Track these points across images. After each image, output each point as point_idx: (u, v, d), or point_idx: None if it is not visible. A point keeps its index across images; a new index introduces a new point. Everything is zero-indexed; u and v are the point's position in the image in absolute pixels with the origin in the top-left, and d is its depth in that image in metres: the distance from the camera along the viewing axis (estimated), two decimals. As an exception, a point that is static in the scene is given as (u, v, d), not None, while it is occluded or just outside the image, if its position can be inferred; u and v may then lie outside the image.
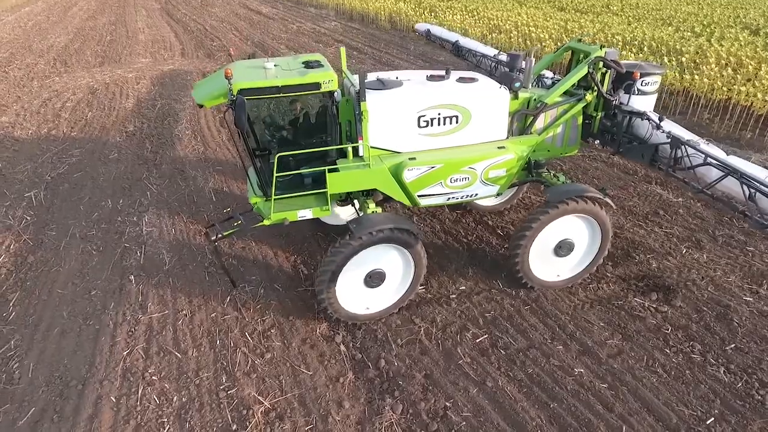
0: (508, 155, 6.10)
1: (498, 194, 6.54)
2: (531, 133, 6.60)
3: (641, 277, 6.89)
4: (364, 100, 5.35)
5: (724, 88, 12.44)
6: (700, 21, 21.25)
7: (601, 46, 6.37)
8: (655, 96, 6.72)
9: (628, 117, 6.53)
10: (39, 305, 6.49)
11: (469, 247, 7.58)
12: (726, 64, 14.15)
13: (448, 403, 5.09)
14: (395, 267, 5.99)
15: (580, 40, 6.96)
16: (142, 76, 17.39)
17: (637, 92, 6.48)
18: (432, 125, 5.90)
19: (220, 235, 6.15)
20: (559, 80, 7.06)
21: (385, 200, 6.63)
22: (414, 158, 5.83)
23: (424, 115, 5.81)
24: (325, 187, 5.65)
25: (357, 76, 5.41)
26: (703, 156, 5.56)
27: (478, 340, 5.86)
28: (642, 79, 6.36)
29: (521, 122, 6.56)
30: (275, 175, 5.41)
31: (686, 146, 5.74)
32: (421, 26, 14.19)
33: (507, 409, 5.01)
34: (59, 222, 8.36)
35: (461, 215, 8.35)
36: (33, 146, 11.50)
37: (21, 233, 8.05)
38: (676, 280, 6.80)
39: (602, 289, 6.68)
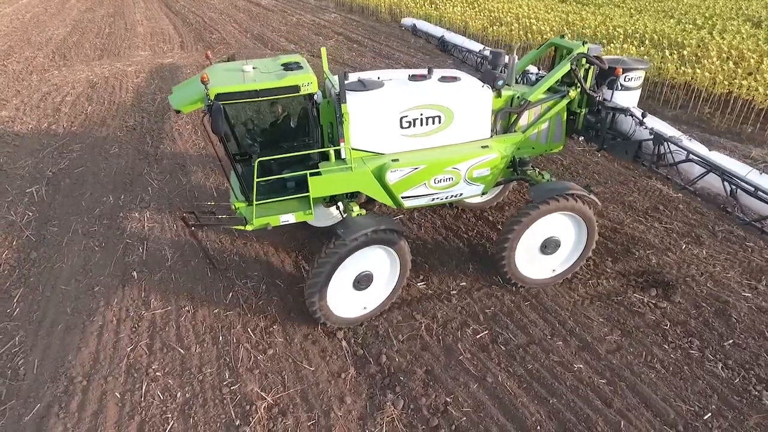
0: (492, 155, 6.09)
1: (483, 193, 6.52)
2: (515, 130, 6.60)
3: (641, 272, 6.93)
4: (345, 102, 5.28)
5: (725, 82, 12.40)
6: (701, 13, 21.11)
7: (584, 42, 6.37)
8: (639, 91, 6.71)
9: (611, 113, 6.53)
10: (43, 301, 6.53)
11: (469, 242, 7.62)
12: (727, 58, 14.09)
13: (448, 399, 5.15)
14: (382, 266, 5.99)
15: (563, 36, 6.93)
16: (141, 70, 17.33)
17: (620, 87, 6.48)
18: (414, 126, 5.85)
19: (197, 222, 6.04)
20: (543, 76, 7.07)
21: (369, 201, 6.59)
22: (397, 159, 5.78)
23: (406, 116, 5.77)
24: (307, 191, 5.57)
25: (337, 77, 5.40)
26: (686, 153, 5.59)
27: (478, 336, 5.91)
28: (625, 74, 6.35)
29: (505, 120, 6.54)
30: (256, 180, 5.32)
31: (669, 143, 5.76)
32: (407, 21, 14.06)
33: (507, 405, 5.07)
34: (61, 218, 8.39)
35: (462, 211, 8.37)
36: (33, 141, 11.49)
37: (23, 229, 8.09)
38: (676, 276, 6.84)
39: (602, 285, 6.72)
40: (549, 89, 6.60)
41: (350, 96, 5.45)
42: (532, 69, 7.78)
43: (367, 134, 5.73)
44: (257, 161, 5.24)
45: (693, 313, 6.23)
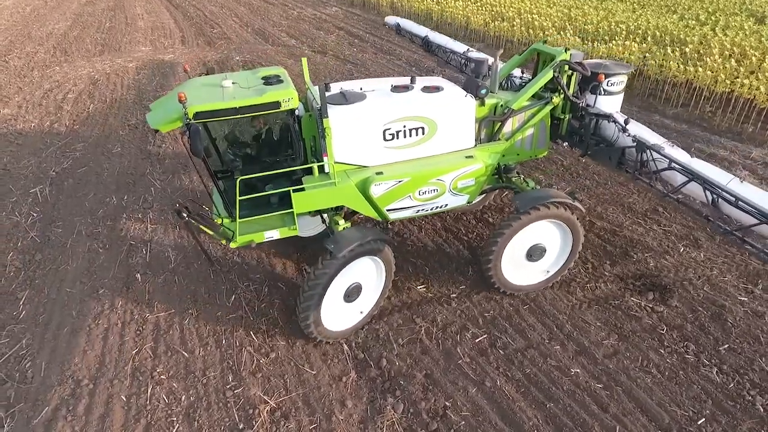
0: (476, 165, 6.09)
1: (468, 203, 6.53)
2: (499, 138, 6.60)
3: (639, 276, 7.01)
4: (327, 117, 5.22)
5: (727, 81, 12.38)
6: (705, 8, 20.96)
7: (566, 49, 6.37)
8: (622, 95, 6.72)
9: (594, 119, 6.55)
10: (48, 304, 6.64)
11: (469, 245, 7.69)
12: (729, 55, 14.05)
13: (447, 403, 5.26)
14: (369, 275, 6.02)
15: (545, 42, 6.93)
16: (142, 66, 17.32)
17: (603, 92, 6.49)
18: (398, 138, 5.82)
19: (188, 216, 5.59)
20: (528, 79, 7.11)
21: (353, 212, 6.48)
22: (381, 173, 5.74)
23: (389, 128, 5.73)
24: (291, 206, 5.49)
25: (323, 88, 5.35)
26: (668, 161, 5.63)
27: (477, 340, 6.01)
28: (607, 79, 6.36)
29: (489, 128, 6.54)
30: (238, 198, 5.24)
31: (651, 150, 5.79)
32: (390, 19, 13.81)
33: (505, 409, 5.18)
34: (65, 219, 8.48)
35: (462, 213, 8.43)
36: (36, 140, 11.55)
37: (28, 230, 8.18)
38: (673, 280, 6.92)
39: (600, 289, 6.80)
40: (533, 96, 6.60)
41: (332, 110, 5.42)
42: (516, 72, 7.79)
43: (350, 147, 5.70)
44: (239, 180, 5.16)
45: (689, 317, 6.31)
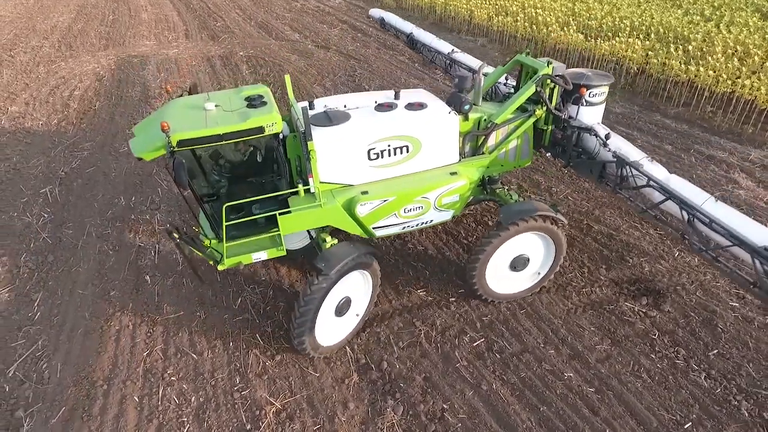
0: (461, 182, 6.18)
1: (453, 217, 6.63)
2: (483, 152, 6.70)
3: (633, 281, 7.20)
4: (311, 140, 5.25)
5: (728, 81, 12.42)
6: (710, 2, 20.82)
7: (548, 63, 6.46)
8: (603, 105, 6.82)
9: (576, 131, 6.66)
10: (62, 306, 6.89)
11: (469, 248, 7.87)
12: (732, 54, 14.04)
13: (445, 405, 5.50)
14: (357, 287, 6.14)
15: (527, 54, 7.02)
16: (147, 61, 17.43)
17: (585, 104, 6.58)
18: (382, 157, 5.89)
19: (179, 238, 5.56)
20: (512, 86, 7.26)
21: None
22: (366, 192, 5.81)
23: (373, 148, 5.80)
24: (278, 227, 5.53)
25: (306, 105, 5.42)
26: (647, 179, 5.78)
27: (474, 344, 6.23)
28: (589, 90, 6.46)
29: (473, 142, 6.65)
30: (224, 224, 5.27)
31: (630, 167, 5.93)
32: (374, 12, 13.45)
33: (500, 412, 5.41)
34: (75, 220, 8.70)
35: (462, 216, 8.61)
36: (45, 139, 11.74)
37: (40, 231, 8.41)
38: (667, 285, 7.11)
39: (595, 293, 7.00)
40: (516, 109, 6.68)
41: (316, 132, 5.48)
42: (501, 79, 7.87)
43: (335, 168, 5.76)
44: (224, 206, 5.18)
45: (681, 322, 6.51)
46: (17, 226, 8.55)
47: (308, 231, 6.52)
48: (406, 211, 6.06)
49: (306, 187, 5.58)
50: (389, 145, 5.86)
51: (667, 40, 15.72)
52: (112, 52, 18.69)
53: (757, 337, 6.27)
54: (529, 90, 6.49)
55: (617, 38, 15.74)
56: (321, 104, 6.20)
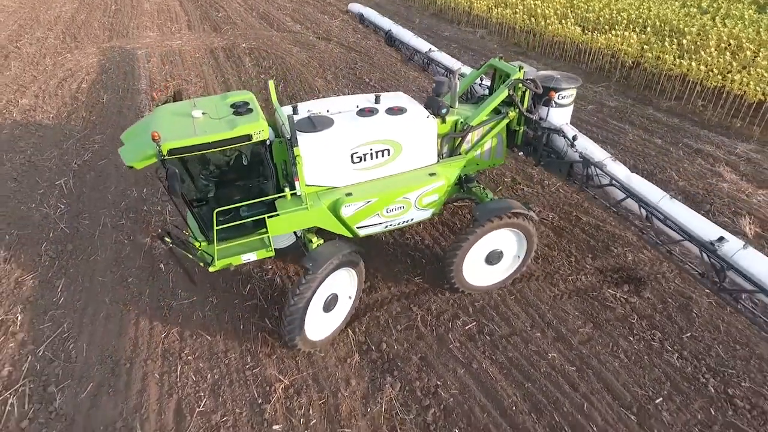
0: (439, 182, 6.53)
1: (433, 216, 7.01)
2: (460, 153, 7.08)
3: (617, 269, 7.68)
4: (297, 145, 5.49)
5: (719, 76, 12.76)
6: (708, -6, 20.99)
7: (520, 67, 6.86)
8: (572, 107, 7.21)
9: (547, 132, 7.09)
10: (83, 292, 7.39)
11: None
12: (725, 48, 14.35)
13: (439, 382, 6.02)
14: (343, 284, 6.48)
15: (500, 58, 7.40)
16: (151, 54, 17.73)
17: (555, 105, 6.97)
18: (365, 160, 6.20)
19: (172, 244, 5.89)
20: (487, 87, 7.68)
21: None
22: (350, 194, 6.10)
23: (356, 152, 6.10)
24: (265, 228, 5.78)
25: (290, 111, 5.65)
26: (609, 178, 6.27)
27: (467, 327, 6.74)
28: (558, 93, 6.85)
29: (450, 144, 7.01)
30: (215, 228, 5.49)
31: (595, 167, 6.41)
32: (354, 7, 13.34)
33: (488, 388, 5.94)
34: (91, 211, 9.17)
35: (458, 207, 9.07)
36: (56, 132, 12.16)
37: (57, 221, 8.88)
38: (648, 273, 7.59)
39: (580, 281, 7.49)
40: (490, 111, 7.04)
41: (302, 137, 5.74)
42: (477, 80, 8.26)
43: (320, 171, 6.05)
44: (215, 211, 5.41)
45: (659, 307, 7.01)
46: (36, 217, 9.03)
47: (297, 236, 6.81)
48: (388, 211, 6.40)
49: (293, 191, 5.87)
50: (371, 149, 6.18)
51: (663, 34, 16.01)
52: (116, 44, 18.98)
53: (728, 321, 6.77)
54: (502, 93, 6.87)
55: (614, 31, 16.03)
56: (305, 109, 6.45)
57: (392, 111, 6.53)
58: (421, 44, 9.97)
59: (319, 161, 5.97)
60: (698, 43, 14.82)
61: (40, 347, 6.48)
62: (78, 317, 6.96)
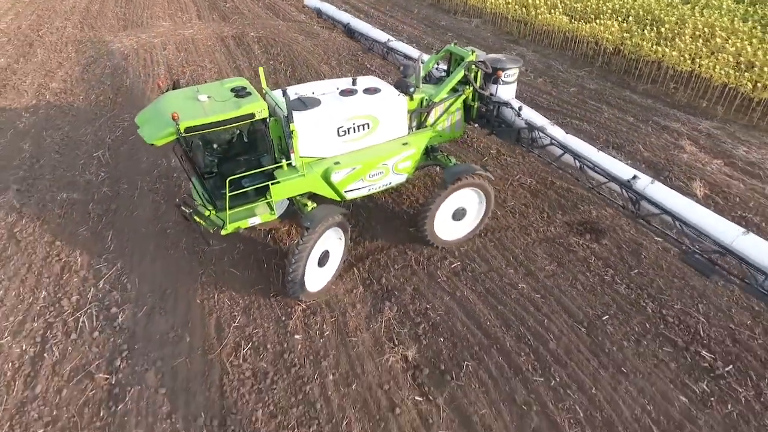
0: (411, 150, 7.67)
1: (407, 179, 8.12)
2: (426, 126, 8.22)
3: (582, 222, 9.03)
4: (293, 122, 6.37)
5: (689, 61, 14.01)
6: (691, -15, 22.09)
7: (472, 51, 8.15)
8: (515, 84, 8.49)
9: (497, 106, 8.38)
10: (129, 240, 8.73)
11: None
12: (699, 36, 15.56)
13: (428, 306, 7.38)
14: (334, 242, 7.48)
15: (455, 44, 8.68)
16: (166, 42, 18.94)
17: (502, 83, 8.24)
18: (349, 133, 7.23)
19: (190, 211, 6.92)
20: (444, 70, 8.91)
21: (315, 195, 7.44)
22: (338, 162, 7.08)
23: (342, 126, 7.11)
24: (266, 197, 6.74)
25: (279, 94, 6.57)
26: (549, 139, 7.59)
27: (453, 266, 8.09)
28: (504, 73, 8.14)
29: (418, 118, 8.11)
30: (228, 195, 6.22)
31: (537, 131, 7.73)
32: (310, 2, 13.90)
33: (468, 310, 7.30)
34: (128, 177, 10.50)
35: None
36: (87, 111, 13.45)
37: (100, 186, 10.22)
38: (608, 225, 8.94)
39: (550, 231, 8.83)
40: (450, 90, 8.18)
41: (296, 115, 6.55)
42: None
43: (312, 144, 6.99)
44: (228, 179, 6.16)
45: (614, 251, 8.36)
46: (80, 182, 10.36)
47: (291, 202, 7.78)
48: (370, 176, 7.46)
49: (288, 162, 6.75)
50: (354, 123, 7.19)
51: (645, 23, 17.21)
52: (132, 33, 20.19)
53: (671, 261, 8.12)
54: (459, 74, 8.08)
55: (598, 20, 17.23)
56: (293, 92, 7.32)
57: (369, 91, 7.56)
58: (380, 35, 10.85)
59: (310, 135, 6.90)
60: (675, 31, 16.03)
61: (99, 281, 7.85)
62: (128, 259, 8.31)
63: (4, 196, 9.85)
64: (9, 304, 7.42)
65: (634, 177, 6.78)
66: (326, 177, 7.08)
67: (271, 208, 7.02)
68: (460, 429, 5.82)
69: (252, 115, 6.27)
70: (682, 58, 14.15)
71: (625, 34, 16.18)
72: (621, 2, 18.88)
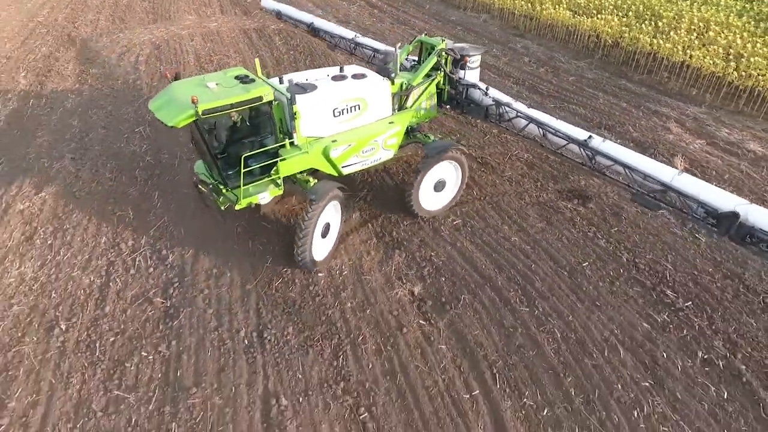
0: (396, 127, 8.53)
1: (394, 155, 8.98)
2: (406, 107, 9.08)
3: (571, 190, 10.15)
4: (295, 104, 7.07)
5: (681, 52, 15.01)
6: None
7: (443, 40, 9.21)
8: (479, 69, 9.56)
9: (466, 88, 9.45)
10: (173, 200, 10.00)
11: (456, 169, 10.85)
12: (694, 29, 16.51)
13: (432, 253, 8.56)
14: (333, 215, 8.24)
15: (426, 35, 9.77)
16: (194, 34, 20.30)
17: (467, 68, 9.34)
18: (343, 114, 7.98)
19: (208, 188, 7.68)
20: (414, 60, 9.95)
21: (313, 172, 8.30)
22: (335, 140, 7.82)
23: (337, 108, 7.84)
24: (271, 174, 7.42)
25: (276, 81, 7.35)
26: (515, 112, 8.70)
27: (455, 223, 9.27)
28: (470, 59, 9.24)
29: (399, 101, 8.96)
30: (243, 170, 6.83)
31: (504, 106, 8.82)
32: (268, 4, 14.40)
33: (467, 257, 8.47)
34: (168, 148, 11.80)
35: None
36: (126, 93, 14.82)
37: (144, 156, 11.53)
38: (595, 192, 10.05)
39: (542, 197, 9.97)
40: (425, 75, 9.11)
41: (297, 98, 7.18)
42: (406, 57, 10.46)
43: (311, 124, 7.66)
44: (243, 156, 6.77)
45: (598, 213, 9.48)
46: (126, 152, 11.69)
47: (293, 180, 8.24)
48: (363, 152, 8.28)
49: (291, 141, 7.46)
50: (347, 105, 7.96)
51: (644, 18, 18.19)
52: (161, 26, 21.58)
53: (647, 221, 9.23)
54: (432, 60, 9.06)
55: (599, 15, 18.24)
56: (287, 79, 7.74)
57: (356, 77, 8.35)
58: (346, 32, 11.57)
59: (310, 117, 7.60)
60: (673, 25, 17.00)
61: (150, 230, 9.14)
62: (172, 215, 9.58)
63: (60, 162, 11.21)
64: (75, 246, 8.74)
65: (590, 137, 8.00)
66: (326, 154, 7.81)
67: (278, 185, 7.70)
68: (457, 344, 7.00)
69: (260, 98, 6.89)
70: (675, 50, 15.14)
71: (624, 28, 17.19)
72: (622, -2, 19.85)
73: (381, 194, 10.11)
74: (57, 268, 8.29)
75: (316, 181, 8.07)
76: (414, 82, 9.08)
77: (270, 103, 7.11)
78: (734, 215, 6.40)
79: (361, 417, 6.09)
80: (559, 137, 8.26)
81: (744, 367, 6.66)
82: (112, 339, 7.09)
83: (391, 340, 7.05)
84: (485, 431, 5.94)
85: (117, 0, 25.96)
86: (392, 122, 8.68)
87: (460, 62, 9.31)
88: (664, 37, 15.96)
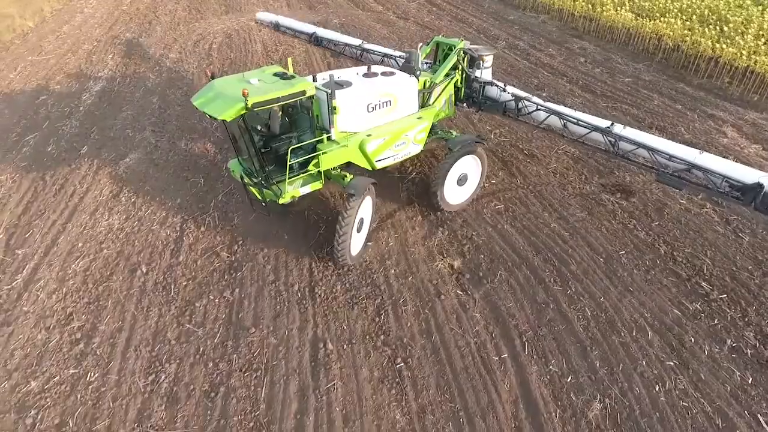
0: (425, 122, 8.77)
1: (422, 150, 9.14)
2: (430, 104, 9.31)
3: (615, 184, 10.36)
4: (335, 98, 7.31)
5: (744, 57, 14.65)
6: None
7: (461, 39, 9.46)
8: (491, 68, 9.79)
9: (483, 86, 9.67)
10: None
11: (502, 159, 11.29)
12: (762, 35, 16.00)
13: (473, 233, 9.09)
14: (367, 210, 8.44)
15: (442, 36, 9.99)
16: (262, 25, 21.62)
17: (483, 67, 9.61)
18: (376, 109, 8.19)
19: (255, 182, 7.60)
20: (429, 63, 10.14)
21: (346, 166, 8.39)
22: (370, 135, 8.01)
23: (371, 103, 8.07)
24: (309, 169, 7.54)
25: (310, 79, 7.59)
26: (535, 105, 8.89)
27: (497, 207, 9.74)
28: (485, 59, 9.50)
29: (423, 98, 9.22)
30: (289, 162, 6.96)
31: (524, 101, 9.04)
32: (263, 16, 14.65)
33: (506, 238, 8.94)
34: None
35: (494, 135, 11.97)
36: (201, 77, 16.16)
37: (215, 132, 12.65)
38: (639, 188, 10.22)
39: (585, 189, 10.25)
40: (445, 73, 9.33)
41: (336, 93, 7.44)
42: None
43: (348, 119, 7.84)
44: (290, 149, 6.91)
45: (640, 207, 9.67)
46: (199, 128, 12.88)
47: (328, 177, 8.27)
48: (396, 146, 8.48)
49: (328, 135, 7.74)
50: (380, 100, 8.20)
51: (708, 22, 17.74)
52: (232, 17, 23.11)
53: (689, 218, 9.34)
54: (453, 59, 9.35)
55: (663, 18, 17.96)
56: (321, 77, 8.15)
57: (386, 74, 8.66)
58: (351, 40, 11.67)
59: (348, 111, 7.79)
60: (740, 30, 16.51)
61: (218, 195, 10.18)
62: (238, 184, 10.55)
63: (142, 134, 12.56)
64: (155, 205, 9.91)
65: (612, 124, 8.20)
66: (362, 147, 8.01)
67: (318, 178, 7.80)
68: (491, 314, 7.53)
69: (304, 92, 6.96)
70: (739, 54, 14.79)
71: (686, 32, 16.89)
72: (689, 2, 19.42)
73: (428, 177, 10.71)
74: (139, 222, 9.47)
75: (352, 176, 8.31)
76: (437, 79, 9.23)
77: (311, 98, 7.22)
78: (759, 186, 6.60)
79: (397, 366, 6.75)
80: (582, 126, 8.45)
81: (774, 359, 6.81)
82: (184, 283, 8.12)
83: (429, 305, 7.67)
84: (511, 388, 6.45)
85: (192, -8, 27.91)
86: (420, 117, 8.91)
87: (476, 61, 9.65)
88: (728, 41, 15.60)
